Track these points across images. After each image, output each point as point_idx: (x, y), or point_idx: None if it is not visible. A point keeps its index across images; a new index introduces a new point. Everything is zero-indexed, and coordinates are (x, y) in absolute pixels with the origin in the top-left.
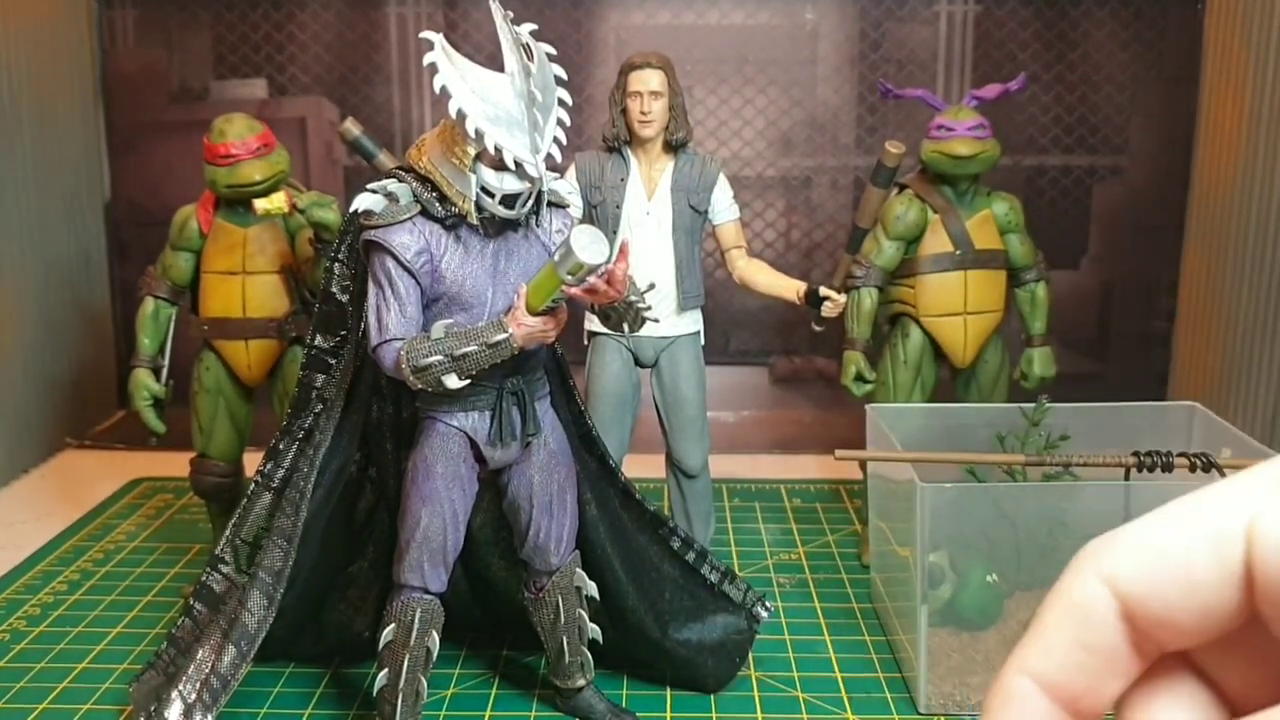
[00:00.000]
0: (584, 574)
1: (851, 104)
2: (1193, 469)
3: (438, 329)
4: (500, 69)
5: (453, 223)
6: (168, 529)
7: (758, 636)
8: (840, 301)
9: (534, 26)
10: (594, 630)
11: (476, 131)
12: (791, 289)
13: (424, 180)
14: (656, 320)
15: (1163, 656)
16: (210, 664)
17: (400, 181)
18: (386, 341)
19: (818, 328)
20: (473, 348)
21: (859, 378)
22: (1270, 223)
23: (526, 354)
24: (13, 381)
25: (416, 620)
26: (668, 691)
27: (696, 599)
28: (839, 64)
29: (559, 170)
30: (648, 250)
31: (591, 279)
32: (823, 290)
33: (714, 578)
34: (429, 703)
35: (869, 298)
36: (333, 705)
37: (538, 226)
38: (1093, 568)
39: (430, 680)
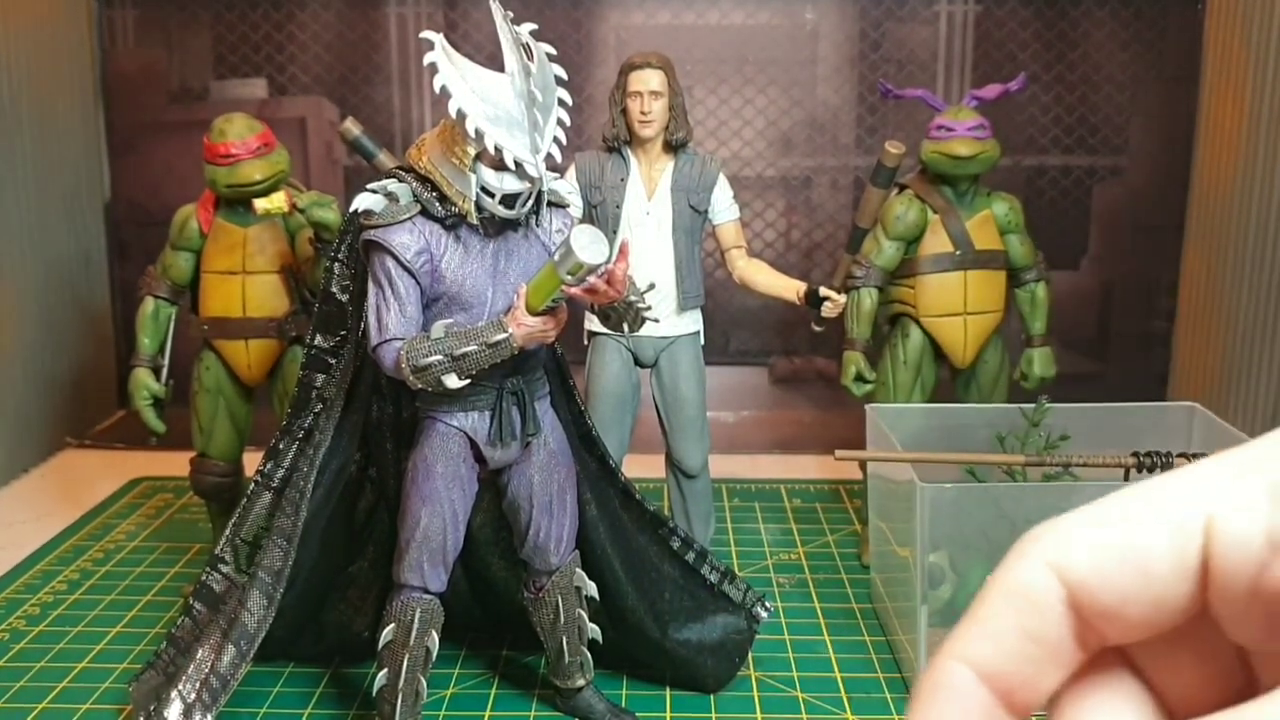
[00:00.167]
0: (584, 574)
1: (851, 104)
2: None
3: (437, 329)
4: (500, 69)
5: (453, 223)
6: (168, 529)
7: (758, 636)
8: (840, 301)
9: (534, 26)
10: (594, 630)
11: (476, 131)
12: (791, 289)
13: (424, 180)
14: (656, 320)
15: (1100, 652)
16: (210, 664)
17: (400, 181)
18: (386, 341)
19: (818, 328)
20: (472, 347)
21: (859, 378)
22: (1270, 223)
23: (526, 354)
24: (13, 381)
25: (416, 620)
26: (667, 691)
27: (696, 599)
28: (839, 64)
29: (559, 170)
30: (648, 250)
31: (591, 279)
32: (823, 290)
33: (714, 578)
34: (429, 703)
35: (869, 298)
36: (333, 705)
37: (538, 226)
38: (1040, 554)
39: (430, 680)
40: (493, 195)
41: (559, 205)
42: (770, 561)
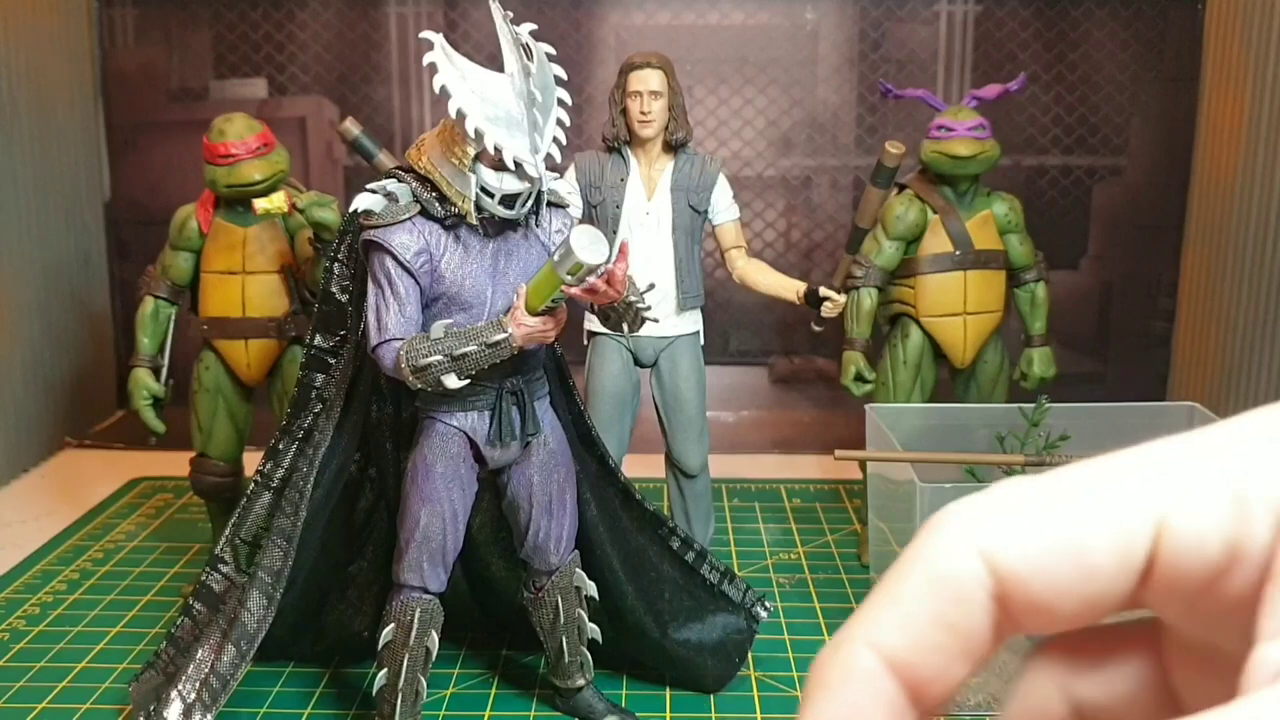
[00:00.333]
0: (583, 574)
1: (851, 104)
2: None
3: (437, 329)
4: (500, 69)
5: (452, 223)
6: (167, 529)
7: (757, 636)
8: (840, 301)
9: (534, 26)
10: (593, 630)
11: (476, 131)
12: (791, 289)
13: (424, 180)
14: (656, 320)
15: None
16: (210, 664)
17: (400, 181)
18: (386, 341)
19: (817, 328)
20: (472, 348)
21: (859, 378)
22: (1270, 223)
23: (526, 354)
24: (13, 381)
25: (416, 620)
26: (667, 691)
27: (696, 599)
28: (839, 64)
29: (559, 170)
30: (648, 250)
31: (591, 279)
32: (822, 290)
33: (713, 578)
34: (429, 703)
35: (869, 298)
36: (332, 705)
37: (537, 226)
38: (967, 537)
39: (430, 680)
40: (492, 195)
41: (559, 205)
42: (770, 561)
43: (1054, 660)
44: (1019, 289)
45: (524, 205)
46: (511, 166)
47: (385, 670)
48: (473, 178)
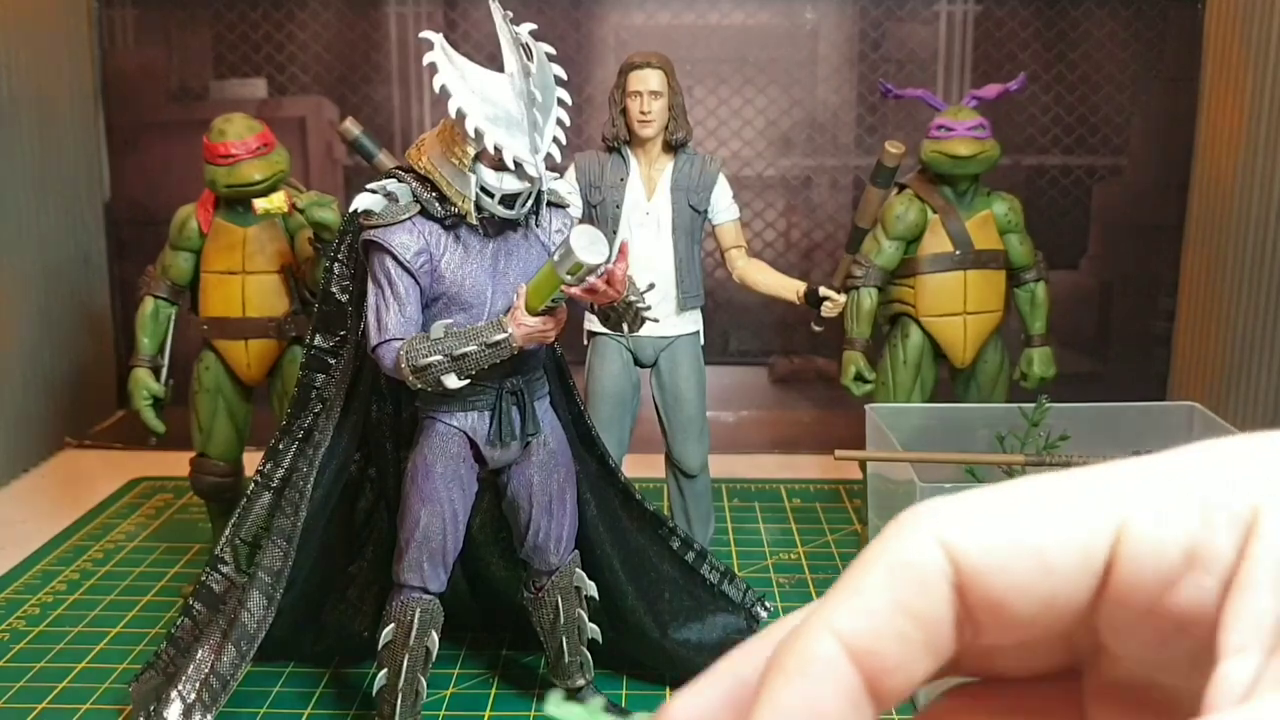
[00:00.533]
0: (583, 574)
1: (851, 104)
2: None
3: (437, 329)
4: (500, 69)
5: (452, 223)
6: (167, 529)
7: None
8: (840, 301)
9: (534, 26)
10: (593, 630)
11: (476, 131)
12: (791, 289)
13: (424, 180)
14: (656, 320)
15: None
16: (210, 664)
17: (400, 181)
18: (386, 341)
19: (817, 328)
20: (472, 348)
21: (859, 378)
22: (1270, 223)
23: (526, 354)
24: (13, 381)
25: (416, 620)
26: (667, 691)
27: (696, 599)
28: (839, 64)
29: (559, 170)
30: (647, 250)
31: (591, 279)
32: (822, 290)
33: (713, 578)
34: (428, 703)
35: (869, 297)
36: (332, 705)
37: (537, 226)
38: (929, 529)
39: (430, 680)
40: (492, 195)
41: (559, 205)
42: (770, 561)
43: (965, 702)
44: (1019, 289)
45: (524, 205)
46: (511, 166)
47: (385, 670)
48: (473, 178)
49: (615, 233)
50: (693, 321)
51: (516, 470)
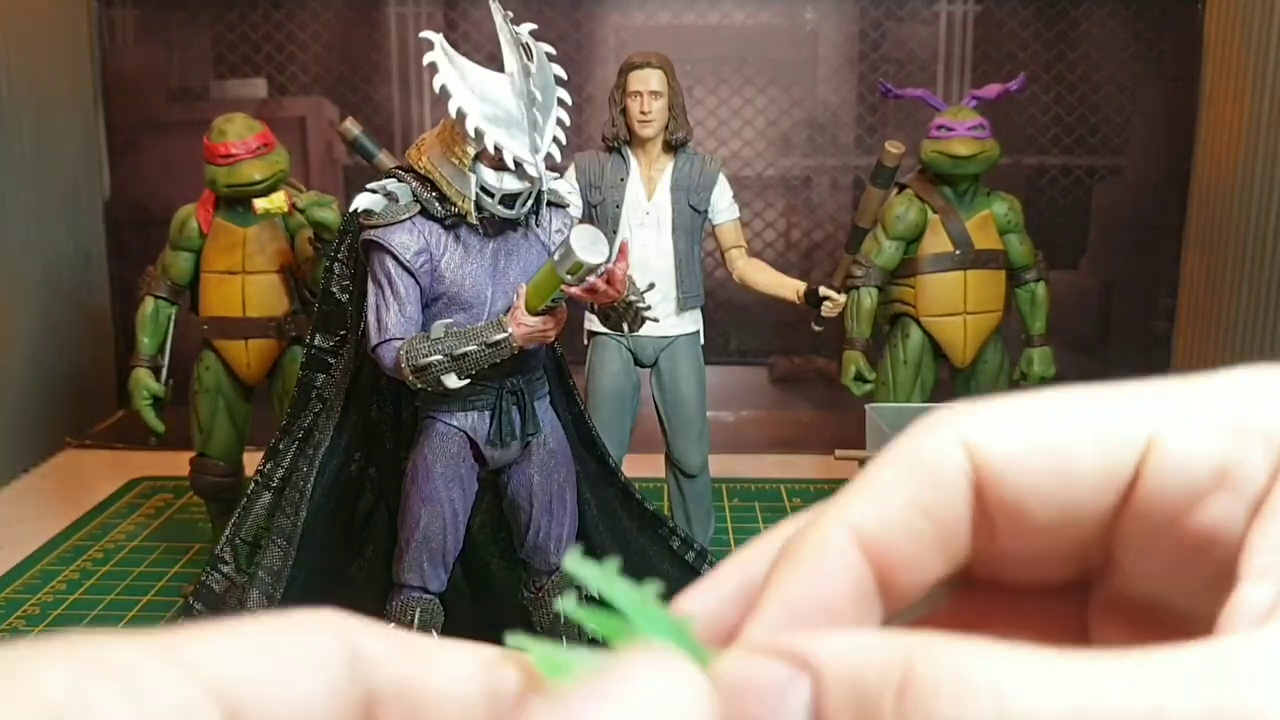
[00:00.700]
0: None
1: (851, 104)
2: None
3: (437, 328)
4: (500, 69)
5: (452, 222)
6: (167, 529)
7: None
8: (840, 301)
9: (534, 26)
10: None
11: (476, 131)
12: (791, 289)
13: (424, 180)
14: (656, 320)
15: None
16: None
17: (400, 181)
18: (386, 341)
19: (818, 328)
20: (472, 347)
21: (859, 377)
22: (1270, 223)
23: (526, 354)
24: (13, 381)
25: (416, 620)
26: None
27: None
28: (839, 64)
29: (559, 170)
30: (647, 250)
31: (591, 279)
32: (822, 290)
33: None
34: None
35: (869, 297)
36: None
37: (537, 226)
38: (952, 429)
39: None
40: (492, 195)
41: (559, 205)
42: None
43: (969, 606)
44: (1019, 289)
45: (524, 205)
46: (511, 166)
47: None
48: (473, 178)
49: (615, 233)
50: (693, 321)
51: (516, 470)
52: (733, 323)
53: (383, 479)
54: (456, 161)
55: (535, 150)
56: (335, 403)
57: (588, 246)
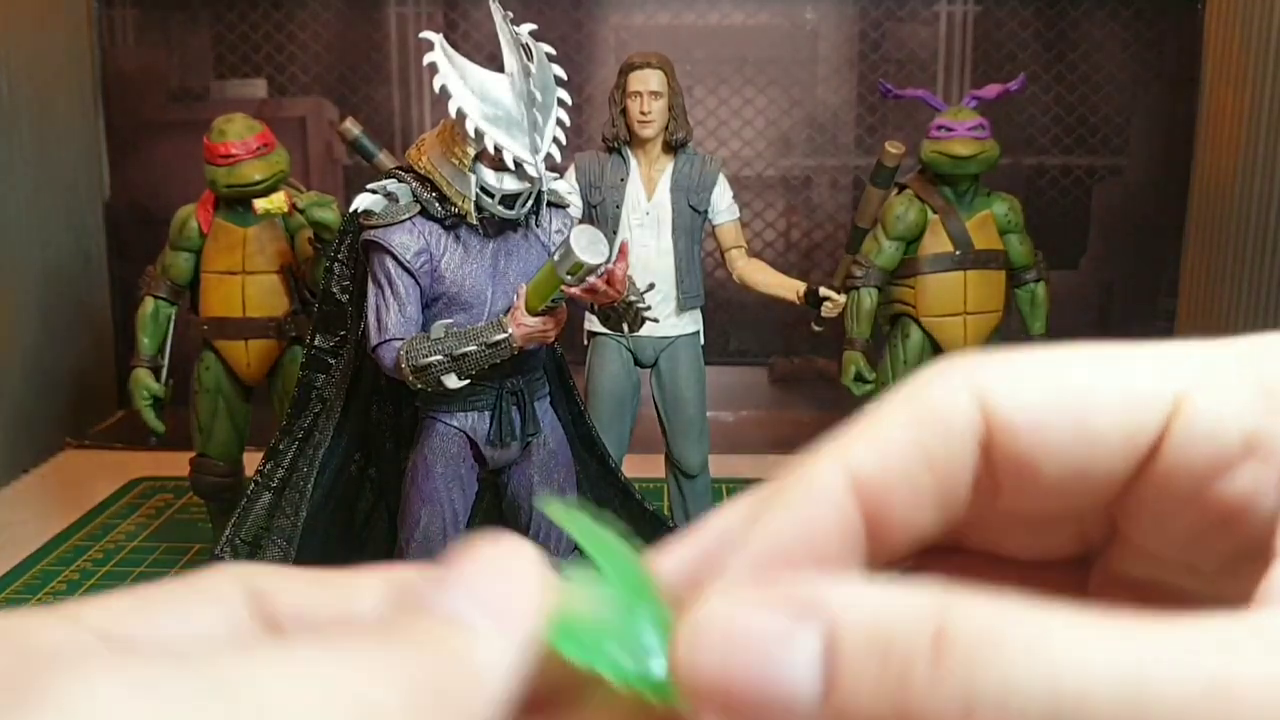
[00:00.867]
0: None
1: (851, 104)
2: None
3: (437, 329)
4: (500, 69)
5: (452, 223)
6: (167, 529)
7: None
8: (840, 301)
9: (534, 26)
10: None
11: (476, 131)
12: (791, 289)
13: (424, 180)
14: (656, 320)
15: None
16: None
17: (400, 181)
18: (386, 341)
19: (817, 328)
20: (472, 347)
21: (859, 378)
22: (1270, 223)
23: (526, 354)
24: (12, 381)
25: None
26: None
27: None
28: (839, 64)
29: (559, 170)
30: (647, 250)
31: (591, 279)
32: (822, 290)
33: None
34: None
35: (869, 297)
36: None
37: (537, 226)
38: (964, 376)
39: None
40: (492, 195)
41: (559, 205)
42: None
43: (959, 570)
44: (1019, 289)
45: (524, 205)
46: (511, 166)
47: None
48: (473, 178)
49: (615, 233)
50: (693, 321)
51: (516, 470)
52: (733, 323)
53: (383, 479)
54: (456, 162)
55: (535, 150)
56: (335, 403)
57: (587, 247)
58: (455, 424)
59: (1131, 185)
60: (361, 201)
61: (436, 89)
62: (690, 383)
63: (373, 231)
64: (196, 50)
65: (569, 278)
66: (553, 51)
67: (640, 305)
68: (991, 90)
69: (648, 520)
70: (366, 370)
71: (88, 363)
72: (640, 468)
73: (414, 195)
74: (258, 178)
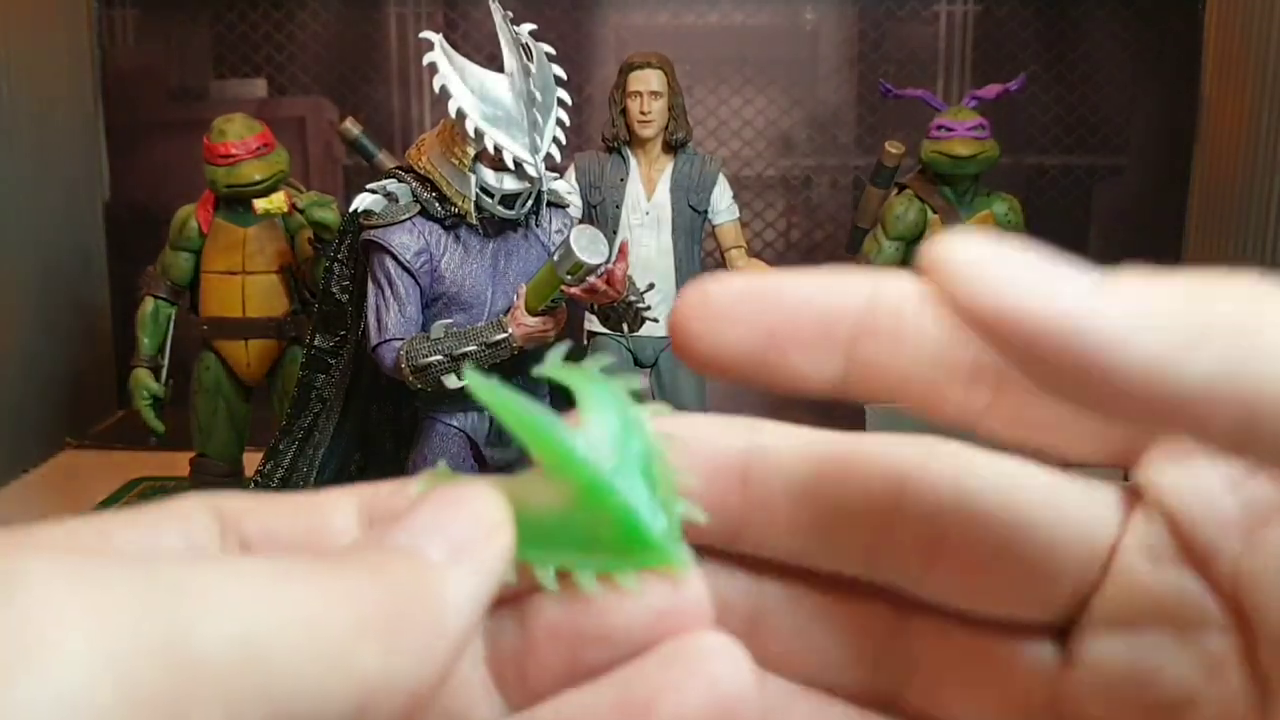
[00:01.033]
0: None
1: (851, 104)
2: None
3: (437, 329)
4: (500, 69)
5: (452, 223)
6: None
7: None
8: None
9: (534, 26)
10: None
11: (476, 131)
12: None
13: (424, 180)
14: (656, 320)
15: None
16: None
17: (400, 181)
18: (386, 341)
19: None
20: (472, 348)
21: None
22: (1271, 223)
23: (526, 354)
24: (12, 381)
25: None
26: None
27: None
28: (839, 64)
29: (559, 170)
30: (647, 250)
31: (591, 279)
32: None
33: None
34: None
35: None
36: None
37: (537, 226)
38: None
39: None
40: (492, 195)
41: (559, 205)
42: None
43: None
44: None
45: (524, 205)
46: (511, 166)
47: None
48: (473, 178)
49: (615, 233)
50: None
51: (517, 470)
52: None
53: (383, 479)
54: (456, 162)
55: (535, 150)
56: (335, 403)
57: (587, 247)
58: (455, 424)
59: (1132, 185)
60: (361, 201)
61: (436, 89)
62: (690, 383)
63: (372, 231)
64: (196, 50)
65: (569, 278)
66: (552, 51)
67: (640, 305)
68: (991, 90)
69: None
70: (366, 370)
71: (87, 362)
72: None
73: (414, 195)
74: (258, 178)
